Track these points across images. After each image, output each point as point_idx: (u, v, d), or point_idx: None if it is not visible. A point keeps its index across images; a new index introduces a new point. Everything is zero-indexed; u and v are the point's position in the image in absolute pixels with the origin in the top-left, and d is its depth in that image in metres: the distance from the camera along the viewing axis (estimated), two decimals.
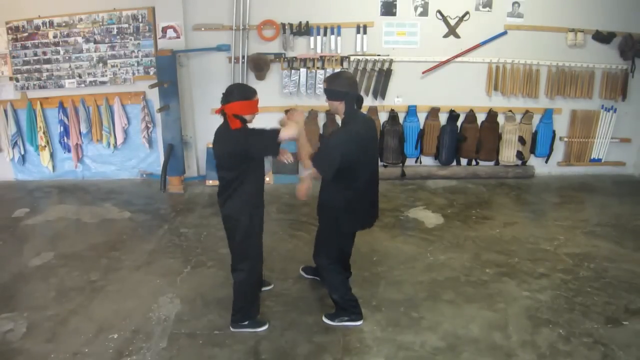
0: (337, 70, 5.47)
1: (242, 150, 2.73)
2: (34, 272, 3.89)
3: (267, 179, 5.89)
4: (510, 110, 5.95)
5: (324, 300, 3.42)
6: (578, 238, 4.40)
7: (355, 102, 2.90)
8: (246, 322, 3.07)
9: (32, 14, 5.67)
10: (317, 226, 3.22)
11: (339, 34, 5.66)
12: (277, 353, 2.90)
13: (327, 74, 5.65)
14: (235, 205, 2.87)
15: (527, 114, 5.94)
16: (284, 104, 5.79)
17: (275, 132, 2.74)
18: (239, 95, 2.75)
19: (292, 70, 5.73)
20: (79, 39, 5.73)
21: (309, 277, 3.69)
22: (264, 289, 3.46)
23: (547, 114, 5.97)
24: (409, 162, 6.06)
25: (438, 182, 5.94)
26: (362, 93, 5.85)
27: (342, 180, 2.86)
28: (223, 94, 2.80)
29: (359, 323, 3.16)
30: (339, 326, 3.13)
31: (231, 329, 3.08)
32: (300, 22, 5.64)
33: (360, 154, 2.84)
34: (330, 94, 2.88)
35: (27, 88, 5.89)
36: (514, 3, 5.66)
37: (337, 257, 3.16)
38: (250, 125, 2.86)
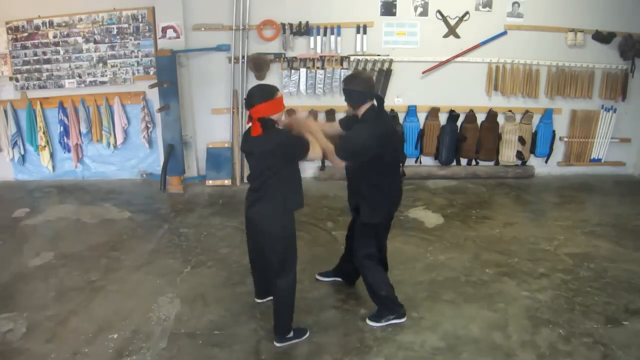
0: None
1: (282, 152, 2.67)
2: (34, 272, 3.89)
3: None
4: (510, 110, 5.94)
5: (324, 300, 3.43)
6: (578, 238, 4.40)
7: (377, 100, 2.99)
8: (291, 334, 2.96)
9: (32, 14, 5.67)
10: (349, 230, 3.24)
11: (338, 34, 5.66)
12: (277, 353, 2.90)
13: (327, 75, 5.72)
14: (267, 211, 2.76)
15: (527, 114, 5.94)
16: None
17: (307, 143, 2.71)
18: (262, 97, 2.65)
19: (292, 70, 5.73)
20: (79, 39, 5.73)
21: (329, 279, 3.65)
22: None
23: (547, 114, 5.97)
24: (409, 162, 6.05)
25: (438, 182, 5.94)
26: None
27: (379, 169, 2.93)
28: (245, 99, 2.73)
29: (404, 319, 3.15)
30: (386, 326, 3.11)
31: (276, 344, 2.95)
32: (300, 22, 5.64)
33: (388, 145, 2.91)
34: (360, 96, 2.89)
35: (27, 88, 5.89)
36: (514, 3, 5.66)
37: (376, 252, 3.13)
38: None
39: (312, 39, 5.68)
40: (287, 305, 2.93)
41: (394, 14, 5.68)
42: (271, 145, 2.66)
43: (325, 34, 5.67)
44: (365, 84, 2.91)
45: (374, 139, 2.83)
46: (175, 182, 5.67)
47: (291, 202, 2.81)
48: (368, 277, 3.12)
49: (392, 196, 3.08)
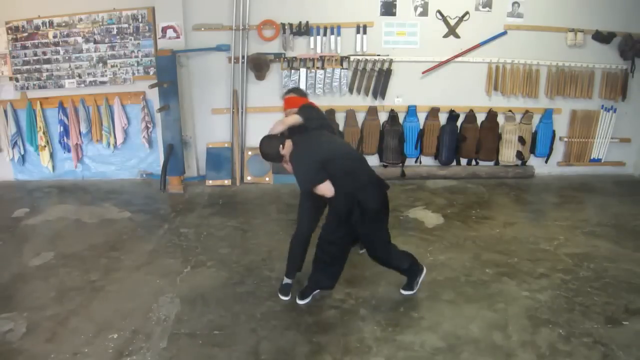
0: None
1: None
2: (34, 272, 3.88)
3: (266, 178, 5.90)
4: (510, 110, 5.95)
5: (324, 300, 3.42)
6: (578, 238, 4.40)
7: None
8: (290, 281, 3.46)
9: (32, 14, 5.67)
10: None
11: (338, 34, 5.66)
12: (277, 353, 2.90)
13: (327, 75, 5.72)
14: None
15: (527, 114, 5.95)
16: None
17: (307, 182, 3.15)
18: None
19: (292, 70, 5.73)
20: (79, 39, 5.73)
21: (308, 300, 3.43)
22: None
23: (547, 114, 5.97)
24: (409, 162, 6.06)
25: (438, 182, 5.94)
26: (362, 93, 5.88)
27: (337, 180, 3.09)
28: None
29: (425, 270, 3.49)
30: (419, 286, 3.44)
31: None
32: (300, 22, 5.64)
33: (327, 158, 3.09)
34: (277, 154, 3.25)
35: (27, 88, 5.89)
36: (513, 3, 5.66)
37: (389, 239, 3.35)
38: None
39: (312, 39, 5.68)
40: (290, 251, 3.45)
41: (394, 14, 5.68)
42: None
43: (325, 34, 5.67)
44: (273, 143, 3.23)
45: (313, 165, 3.06)
46: (175, 182, 5.67)
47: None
48: (393, 261, 3.36)
49: (376, 180, 3.21)
